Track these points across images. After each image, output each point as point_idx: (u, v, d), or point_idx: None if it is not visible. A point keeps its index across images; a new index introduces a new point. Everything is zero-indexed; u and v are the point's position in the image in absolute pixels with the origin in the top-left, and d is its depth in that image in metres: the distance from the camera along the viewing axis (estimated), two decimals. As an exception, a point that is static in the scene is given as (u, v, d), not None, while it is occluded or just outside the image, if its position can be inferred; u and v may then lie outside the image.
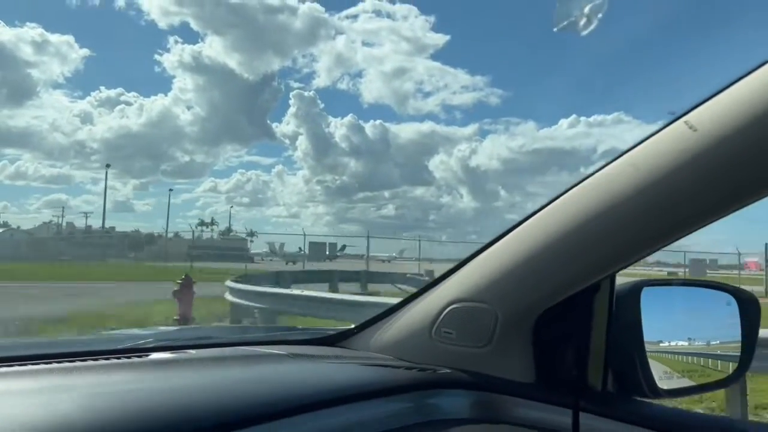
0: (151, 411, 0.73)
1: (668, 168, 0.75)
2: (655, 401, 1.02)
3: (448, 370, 1.02)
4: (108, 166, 71.37)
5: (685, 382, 1.13)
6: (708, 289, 1.19)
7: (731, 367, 1.14)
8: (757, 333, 1.14)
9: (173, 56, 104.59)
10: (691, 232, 0.81)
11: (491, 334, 1.00)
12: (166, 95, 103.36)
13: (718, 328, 1.18)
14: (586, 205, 0.85)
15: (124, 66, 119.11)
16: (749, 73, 0.69)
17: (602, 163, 0.85)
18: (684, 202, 0.76)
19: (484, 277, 1.01)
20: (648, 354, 1.19)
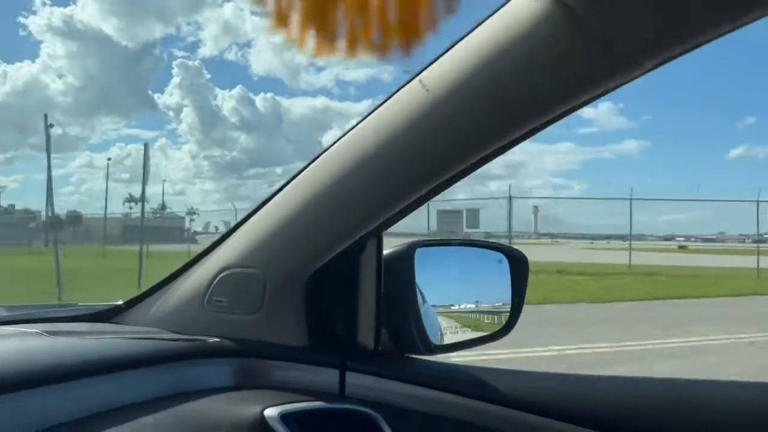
0: None
1: (406, 127, 0.76)
2: (432, 358, 1.06)
3: (217, 339, 0.98)
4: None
5: (459, 338, 1.18)
6: (482, 249, 1.25)
7: (503, 321, 1.21)
8: (524, 289, 1.21)
9: (40, 19, 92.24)
10: (436, 188, 0.83)
11: (261, 299, 0.97)
12: (33, 62, 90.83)
13: (490, 285, 1.25)
14: (341, 166, 0.85)
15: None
16: (471, 31, 0.71)
17: (355, 122, 0.85)
18: (423, 159, 0.77)
19: (253, 242, 0.97)
20: (425, 312, 1.24)
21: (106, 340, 0.96)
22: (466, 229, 24.69)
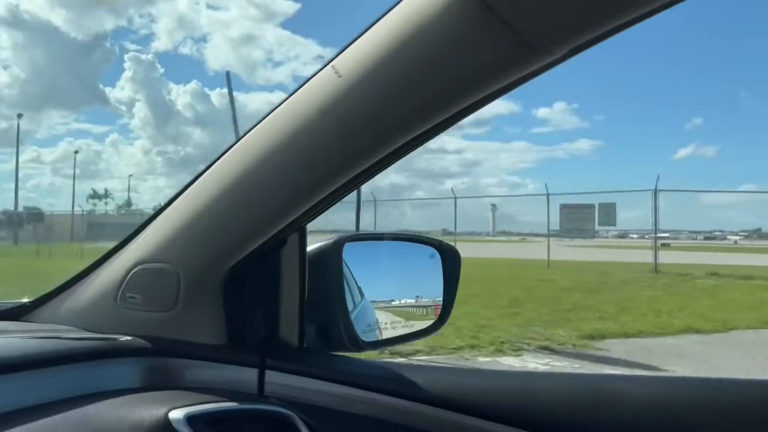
0: None
1: (319, 114, 0.73)
2: (360, 355, 1.04)
3: (129, 338, 0.93)
4: None
5: (389, 334, 1.16)
6: (414, 243, 1.23)
7: (433, 317, 1.20)
8: (457, 284, 1.20)
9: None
10: (359, 176, 0.80)
11: (176, 296, 0.92)
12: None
13: (423, 280, 1.23)
14: (255, 155, 0.82)
15: None
16: (383, 15, 0.68)
17: (269, 109, 0.81)
18: (340, 147, 0.75)
19: (166, 236, 0.93)
20: (362, 307, 1.22)
21: (7, 339, 0.90)
22: (598, 227, 21.96)
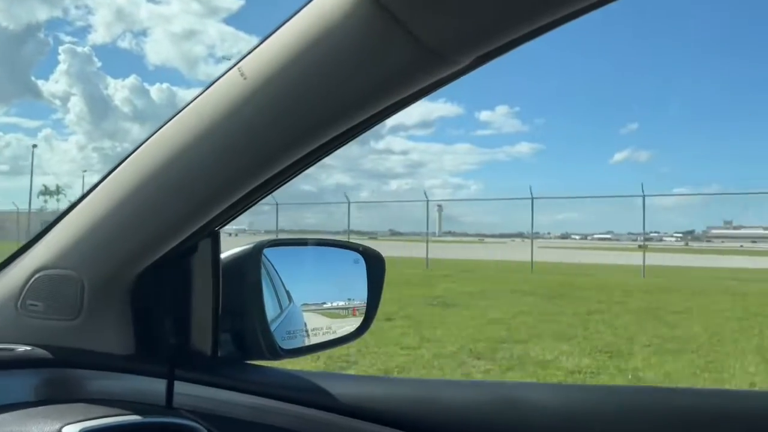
0: None
1: (226, 116, 0.71)
2: (276, 364, 1.01)
3: (28, 348, 0.88)
4: None
5: (310, 341, 1.14)
6: (338, 248, 1.21)
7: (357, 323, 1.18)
8: (381, 289, 1.19)
9: None
10: (271, 180, 0.78)
11: (80, 304, 0.88)
12: None
13: (347, 285, 1.21)
14: (160, 158, 0.78)
15: None
16: (290, 18, 0.67)
17: (175, 111, 0.78)
18: (247, 150, 0.72)
19: (69, 241, 0.88)
20: (290, 313, 1.19)
21: None
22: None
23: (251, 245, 1.02)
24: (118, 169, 0.84)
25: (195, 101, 0.75)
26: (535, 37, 0.64)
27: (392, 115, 0.73)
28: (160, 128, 0.79)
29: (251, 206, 0.88)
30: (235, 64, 0.71)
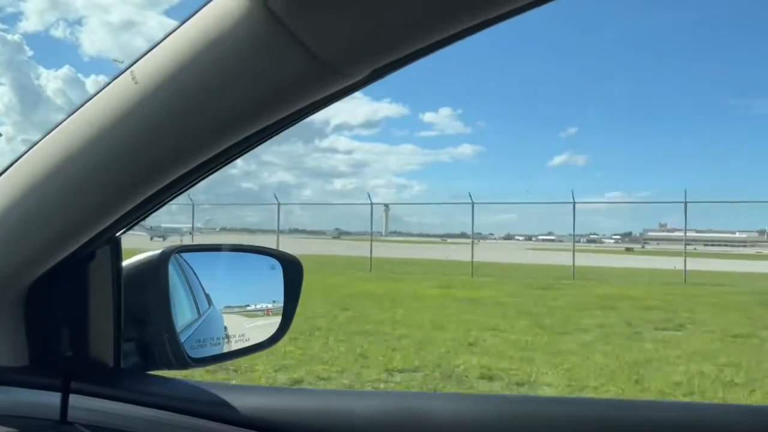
0: None
1: (116, 120, 0.68)
2: (180, 374, 0.99)
3: None
4: None
5: (222, 348, 1.12)
6: (254, 254, 1.20)
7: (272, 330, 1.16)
8: (298, 295, 1.18)
9: None
10: (170, 186, 0.76)
11: None
12: None
13: (264, 291, 1.20)
14: (52, 161, 0.75)
15: None
16: (183, 23, 0.65)
17: (65, 115, 0.75)
18: (139, 156, 0.70)
19: None
20: (208, 319, 1.17)
21: None
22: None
23: (158, 252, 0.99)
24: (4, 174, 0.80)
25: (86, 104, 0.72)
26: (435, 51, 0.64)
27: (290, 126, 0.72)
28: (51, 132, 0.76)
29: (153, 212, 0.85)
30: (128, 68, 0.69)
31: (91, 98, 0.72)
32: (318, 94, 0.65)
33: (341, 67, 0.61)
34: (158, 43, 0.66)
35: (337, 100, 0.68)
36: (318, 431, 0.83)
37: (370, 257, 23.31)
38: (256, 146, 0.75)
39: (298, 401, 0.89)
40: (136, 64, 0.68)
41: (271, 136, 0.74)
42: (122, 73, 0.69)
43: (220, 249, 1.19)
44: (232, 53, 0.61)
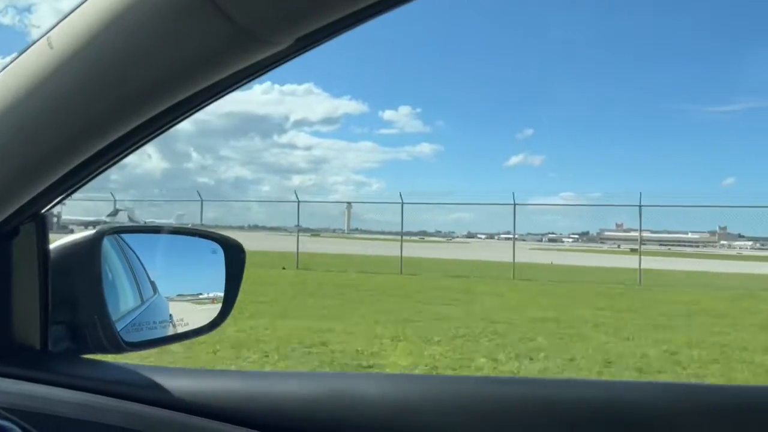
0: None
1: (32, 88, 0.66)
2: (114, 358, 0.96)
3: None
4: None
5: (159, 333, 1.10)
6: (195, 237, 1.17)
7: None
8: (240, 280, 1.16)
9: None
10: (92, 159, 0.73)
11: None
12: None
13: (203, 276, 1.17)
14: None
15: None
16: None
17: None
18: (53, 126, 0.67)
19: None
20: (153, 302, 1.14)
21: None
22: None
23: (92, 231, 0.96)
24: None
25: (2, 72, 0.69)
26: (364, 21, 0.63)
27: (220, 96, 0.71)
28: None
29: (79, 187, 0.82)
30: (44, 34, 0.66)
31: (8, 65, 0.69)
32: (242, 62, 0.63)
33: (262, 34, 0.59)
34: (75, 8, 0.64)
35: (266, 71, 0.67)
36: (248, 412, 0.81)
37: (440, 259, 22.66)
38: (187, 116, 0.73)
39: (229, 383, 0.87)
40: (53, 30, 0.65)
41: (202, 107, 0.72)
42: (39, 39, 0.67)
43: (160, 231, 1.17)
44: (149, 19, 0.59)
